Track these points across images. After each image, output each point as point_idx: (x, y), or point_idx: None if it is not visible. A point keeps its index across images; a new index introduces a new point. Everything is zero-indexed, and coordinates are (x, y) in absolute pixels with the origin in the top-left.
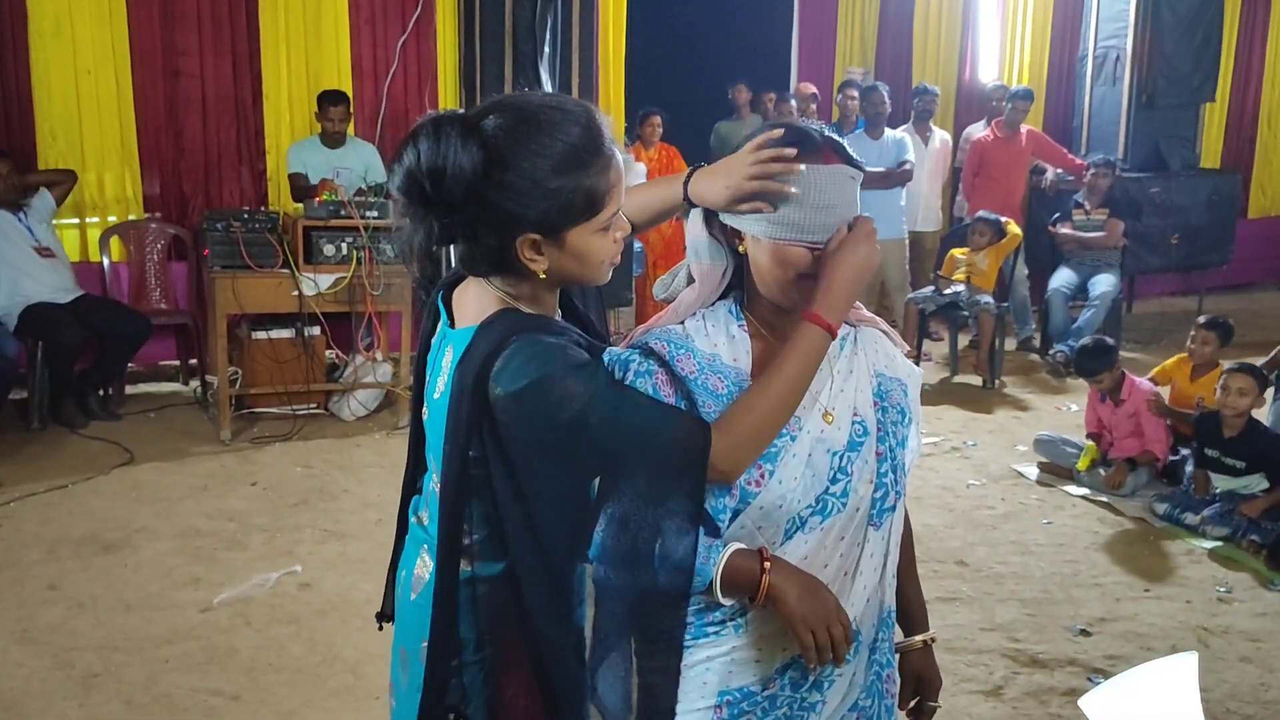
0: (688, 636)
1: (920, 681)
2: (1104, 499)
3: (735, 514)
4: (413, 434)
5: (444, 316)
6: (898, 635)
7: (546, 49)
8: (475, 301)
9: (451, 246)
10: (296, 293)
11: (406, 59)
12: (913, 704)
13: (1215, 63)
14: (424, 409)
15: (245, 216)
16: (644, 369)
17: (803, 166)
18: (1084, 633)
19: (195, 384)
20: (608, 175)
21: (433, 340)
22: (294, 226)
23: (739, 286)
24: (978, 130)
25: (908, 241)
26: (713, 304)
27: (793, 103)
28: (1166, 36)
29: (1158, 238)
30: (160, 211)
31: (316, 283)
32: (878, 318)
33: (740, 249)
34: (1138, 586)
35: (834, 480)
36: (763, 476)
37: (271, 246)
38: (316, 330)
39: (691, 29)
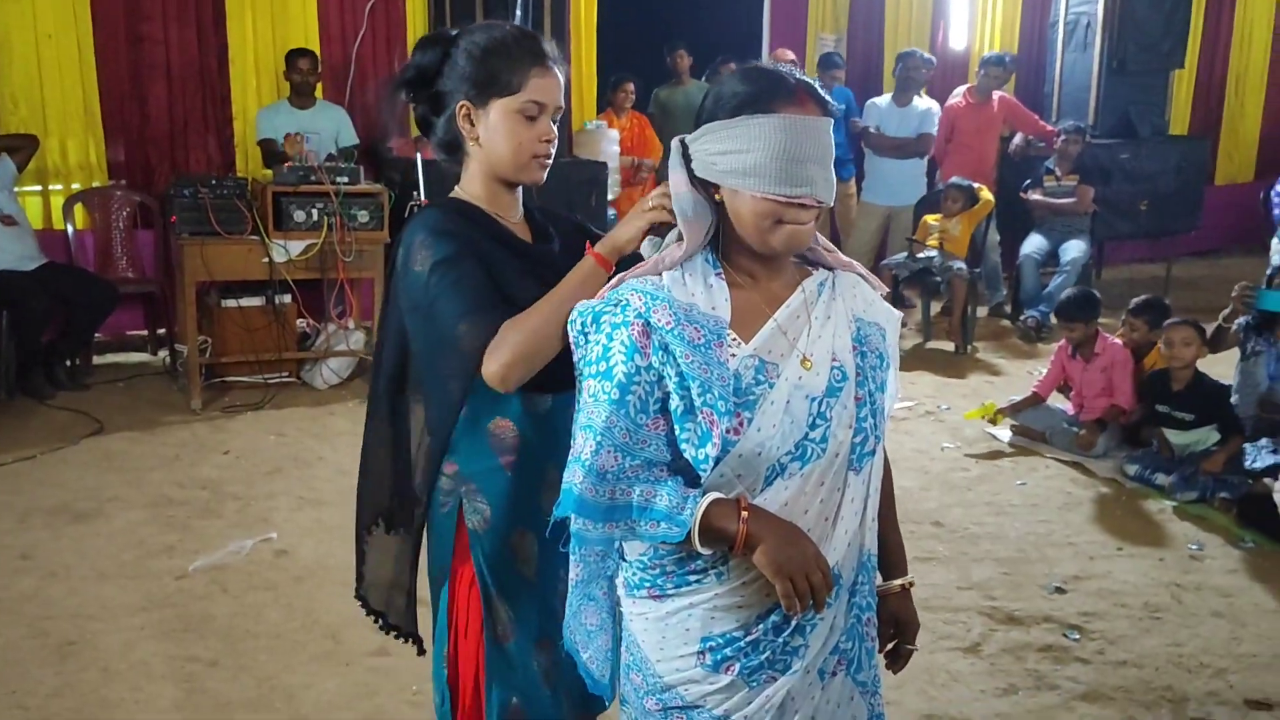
0: (669, 585)
1: (898, 625)
2: (1076, 460)
3: (715, 462)
4: None
5: None
6: (877, 580)
7: (518, 14)
8: None
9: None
10: (267, 259)
11: (375, 22)
12: (890, 647)
13: (1185, 29)
14: None
15: (213, 182)
16: (620, 320)
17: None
18: (1059, 590)
19: (164, 353)
20: (529, 71)
21: None
22: (263, 192)
23: (715, 236)
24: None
25: (882, 211)
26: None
27: None
28: (1137, 2)
29: (1127, 204)
30: (125, 178)
31: (287, 249)
32: (854, 261)
33: (717, 198)
34: (1111, 545)
35: (813, 426)
36: (742, 424)
37: (240, 213)
38: (288, 298)
39: None
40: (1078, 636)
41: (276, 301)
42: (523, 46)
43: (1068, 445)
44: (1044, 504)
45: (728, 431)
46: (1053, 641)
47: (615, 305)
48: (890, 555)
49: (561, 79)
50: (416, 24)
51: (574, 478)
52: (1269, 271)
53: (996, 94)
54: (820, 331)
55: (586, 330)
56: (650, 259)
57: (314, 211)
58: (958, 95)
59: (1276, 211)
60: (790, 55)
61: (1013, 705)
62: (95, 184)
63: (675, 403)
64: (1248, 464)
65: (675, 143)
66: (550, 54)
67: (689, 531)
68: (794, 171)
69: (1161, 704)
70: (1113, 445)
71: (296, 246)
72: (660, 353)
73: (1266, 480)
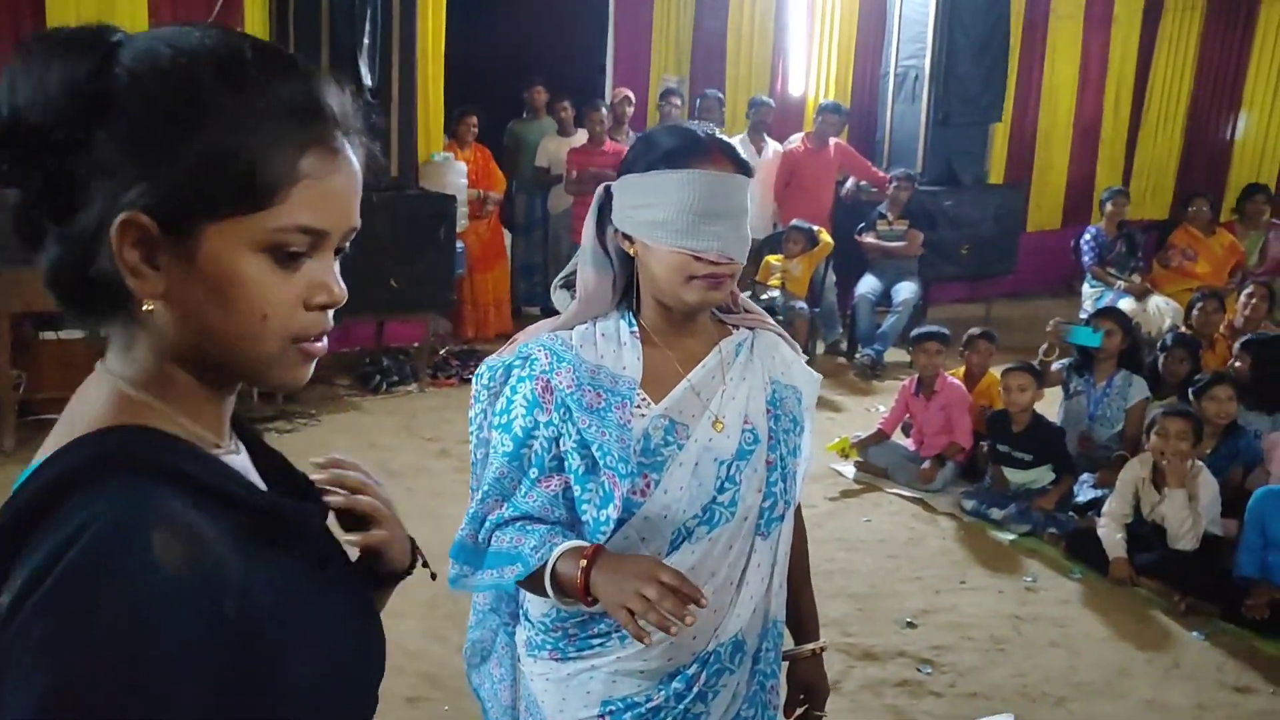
0: (571, 648)
1: (808, 690)
2: (917, 495)
3: (619, 524)
4: None
5: None
6: (788, 643)
7: (366, 40)
8: (78, 402)
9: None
10: None
11: None
12: (799, 713)
13: (1002, 86)
14: None
15: None
16: (526, 374)
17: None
18: (910, 625)
19: None
20: (298, 157)
21: None
22: None
23: (630, 293)
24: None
25: None
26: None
27: (604, 110)
28: (960, 59)
29: (950, 248)
30: None
31: None
32: (774, 322)
33: (631, 252)
34: (954, 579)
35: (721, 489)
36: (648, 486)
37: None
38: None
39: (509, 32)
40: (930, 670)
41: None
42: (284, 97)
43: (909, 480)
44: (890, 539)
45: (632, 493)
46: (908, 676)
47: (523, 360)
48: (803, 618)
49: (358, 165)
50: None
51: (461, 527)
52: (1083, 315)
53: (833, 140)
54: (735, 393)
55: (493, 384)
56: (562, 315)
57: None
58: (795, 141)
59: (1086, 259)
60: (625, 92)
61: None
62: None
63: (576, 462)
64: (1073, 499)
65: (600, 189)
66: (339, 112)
67: (543, 575)
68: (703, 226)
69: None
70: (951, 480)
71: None
72: (561, 409)
73: (1090, 514)
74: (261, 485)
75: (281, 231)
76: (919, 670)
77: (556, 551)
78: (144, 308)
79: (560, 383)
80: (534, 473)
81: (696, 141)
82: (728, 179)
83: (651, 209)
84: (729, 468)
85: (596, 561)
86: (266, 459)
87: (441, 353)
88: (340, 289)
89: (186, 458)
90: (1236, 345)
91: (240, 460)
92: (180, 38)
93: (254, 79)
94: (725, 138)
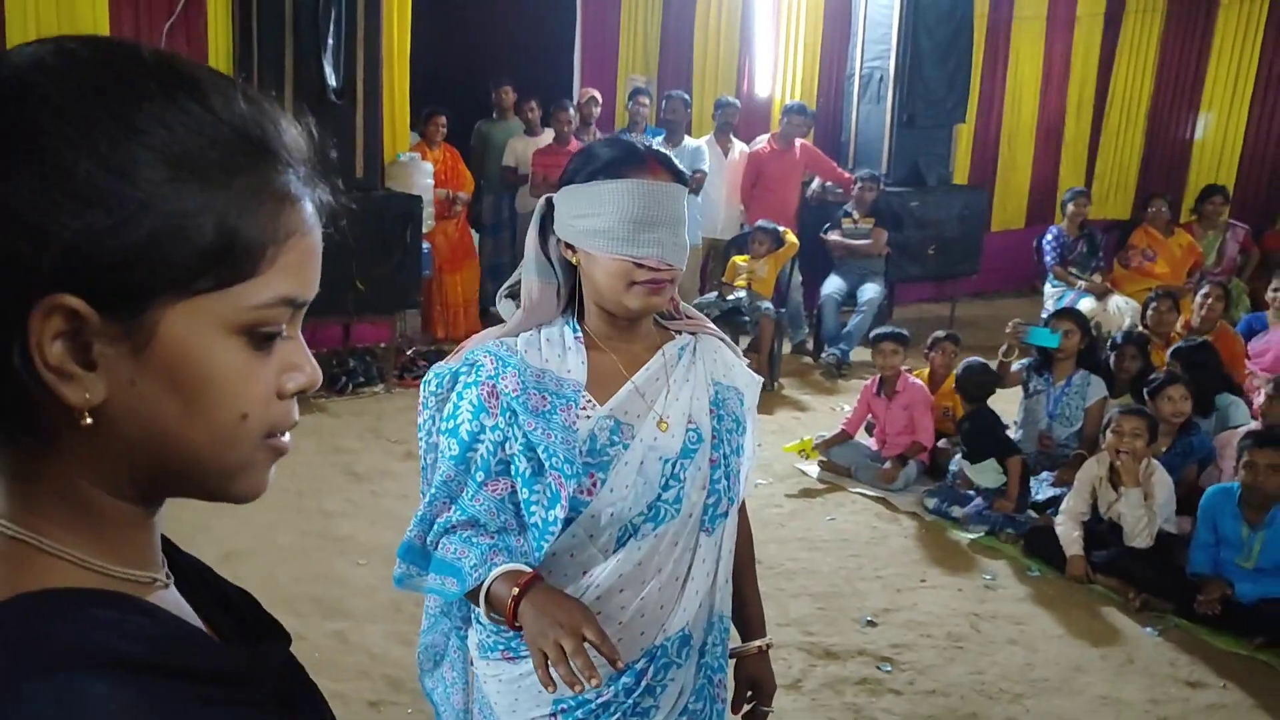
0: (523, 647)
1: (755, 686)
2: (880, 494)
3: (566, 523)
4: None
5: None
6: (735, 640)
7: (330, 41)
8: None
9: None
10: None
11: (174, 43)
12: (747, 709)
13: (966, 87)
14: None
15: None
16: (472, 380)
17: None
18: (871, 623)
19: None
20: (277, 205)
21: None
22: None
23: (574, 300)
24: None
25: (703, 249)
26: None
27: (570, 110)
28: (924, 61)
29: (916, 248)
30: None
31: None
32: (715, 327)
33: (573, 260)
34: (915, 577)
35: (666, 487)
36: (595, 485)
37: None
38: None
39: (476, 31)
40: (890, 668)
41: None
42: (254, 132)
43: (872, 480)
44: (853, 538)
45: (579, 492)
46: (868, 674)
47: (469, 366)
48: (749, 615)
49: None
50: (219, 50)
51: (410, 528)
52: (1044, 316)
53: (798, 141)
54: (678, 394)
55: (440, 391)
56: (508, 322)
57: None
58: (761, 142)
59: (1048, 259)
60: (592, 92)
61: None
62: None
63: (523, 465)
64: (1031, 497)
65: (541, 201)
66: (306, 152)
67: (478, 594)
68: (642, 234)
69: None
70: (913, 480)
71: None
72: (507, 414)
73: (1048, 512)
74: (194, 617)
75: (264, 308)
76: (879, 668)
77: (494, 573)
78: (84, 421)
79: (506, 387)
80: (480, 476)
81: (634, 152)
82: (665, 188)
83: (592, 218)
84: (674, 466)
85: (528, 592)
86: (191, 574)
87: (409, 353)
88: (315, 368)
89: (117, 627)
90: (1168, 352)
91: (174, 595)
92: (100, 48)
93: (218, 103)
94: (661, 149)
